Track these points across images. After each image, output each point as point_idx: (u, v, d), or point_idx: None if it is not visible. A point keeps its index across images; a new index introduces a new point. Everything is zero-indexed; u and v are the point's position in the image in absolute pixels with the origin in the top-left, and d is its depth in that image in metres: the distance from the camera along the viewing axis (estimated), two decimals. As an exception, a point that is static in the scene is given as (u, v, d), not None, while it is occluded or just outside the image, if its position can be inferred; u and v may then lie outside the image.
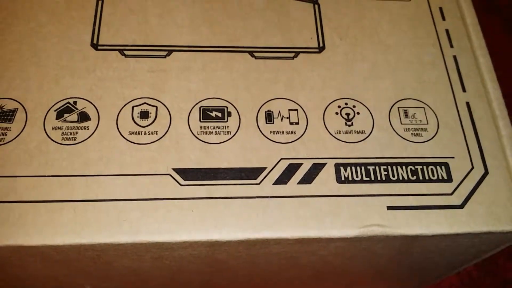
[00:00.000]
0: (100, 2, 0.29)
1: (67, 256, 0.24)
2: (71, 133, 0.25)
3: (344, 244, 0.25)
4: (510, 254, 0.43)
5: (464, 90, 0.28)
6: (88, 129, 0.25)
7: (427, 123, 0.27)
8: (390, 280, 0.35)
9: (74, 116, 0.25)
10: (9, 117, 0.25)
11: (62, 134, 0.25)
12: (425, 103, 0.27)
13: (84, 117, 0.25)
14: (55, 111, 0.25)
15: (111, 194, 0.24)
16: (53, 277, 0.28)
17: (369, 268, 0.30)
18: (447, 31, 0.30)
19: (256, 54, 0.28)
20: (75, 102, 0.26)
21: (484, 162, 0.26)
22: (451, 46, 0.29)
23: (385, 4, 0.30)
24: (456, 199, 0.25)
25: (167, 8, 0.29)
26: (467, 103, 0.28)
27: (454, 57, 0.29)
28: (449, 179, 0.25)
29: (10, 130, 0.25)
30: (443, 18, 0.30)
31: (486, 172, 0.26)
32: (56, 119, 0.25)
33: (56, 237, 0.23)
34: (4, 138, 0.25)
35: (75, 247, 0.23)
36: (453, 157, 0.26)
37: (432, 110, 0.27)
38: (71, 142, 0.25)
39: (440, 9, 0.31)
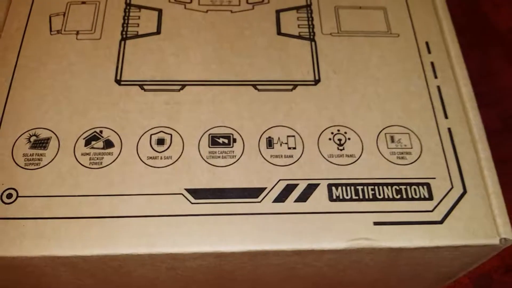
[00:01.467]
0: (123, 43, 0.33)
1: (94, 266, 0.28)
2: (97, 158, 0.29)
3: (336, 256, 0.28)
4: (506, 269, 0.45)
5: (446, 117, 0.31)
6: (112, 154, 0.29)
7: (411, 147, 0.30)
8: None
9: (100, 144, 0.29)
10: (44, 145, 0.29)
11: (90, 159, 0.29)
12: (410, 129, 0.31)
13: (109, 144, 0.29)
14: (83, 139, 0.29)
15: (131, 211, 0.27)
16: (81, 286, 0.32)
17: (362, 280, 0.33)
18: (432, 63, 0.33)
19: (259, 87, 0.32)
20: (101, 131, 0.30)
21: (463, 182, 0.29)
22: (435, 77, 0.33)
23: (376, 40, 0.34)
24: (436, 216, 0.28)
25: (182, 48, 0.33)
26: (449, 129, 0.31)
27: (438, 87, 0.32)
28: (430, 198, 0.28)
29: (45, 156, 0.29)
30: (429, 52, 0.34)
31: (465, 191, 0.29)
32: (85, 146, 0.29)
33: (85, 249, 0.26)
34: (39, 162, 0.29)
35: (101, 257, 0.27)
36: (434, 178, 0.29)
37: (416, 135, 0.30)
38: (97, 166, 0.29)
39: (427, 43, 0.34)
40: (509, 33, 0.60)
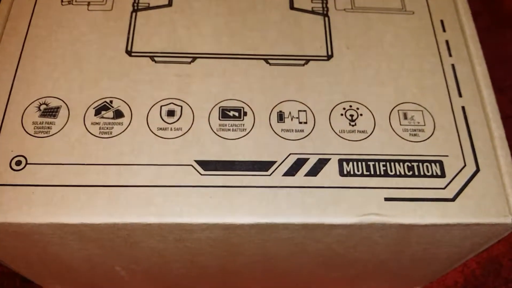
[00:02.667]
0: (134, 14, 0.32)
1: (102, 235, 0.28)
2: (107, 128, 0.29)
3: (346, 232, 0.28)
4: (515, 255, 0.45)
5: (460, 96, 0.31)
6: (122, 124, 0.29)
7: (424, 125, 0.30)
8: (394, 273, 0.37)
9: (110, 113, 0.29)
10: (53, 113, 0.29)
11: (100, 128, 0.29)
12: (423, 107, 0.30)
13: (119, 114, 0.29)
14: (93, 108, 0.29)
15: (140, 181, 0.27)
16: (88, 257, 0.32)
17: (372, 258, 0.33)
18: (447, 41, 0.33)
19: (270, 61, 0.31)
20: (111, 101, 0.29)
21: (476, 160, 0.29)
22: (450, 55, 0.32)
23: (390, 17, 0.33)
24: (448, 193, 0.28)
25: (193, 21, 0.32)
26: (463, 107, 0.30)
27: (452, 65, 0.32)
28: (443, 175, 0.28)
29: (54, 124, 0.29)
30: (444, 30, 0.33)
31: (478, 170, 0.28)
32: (95, 115, 0.29)
33: (93, 217, 0.26)
34: (49, 131, 0.29)
35: (109, 226, 0.27)
36: (447, 156, 0.29)
37: (430, 113, 0.30)
38: (107, 136, 0.28)
39: (441, 21, 0.34)
40: (524, 19, 0.59)
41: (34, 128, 0.29)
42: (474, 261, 0.44)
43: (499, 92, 0.55)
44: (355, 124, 0.29)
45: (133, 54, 0.31)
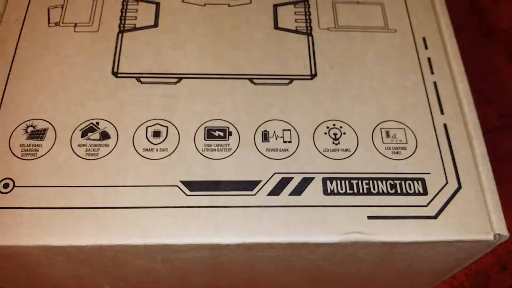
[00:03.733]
0: (120, 35, 0.33)
1: (89, 256, 0.28)
2: (93, 150, 0.29)
3: (331, 250, 0.28)
4: (502, 266, 0.45)
5: (442, 113, 0.31)
6: (108, 146, 0.29)
7: (407, 143, 0.30)
8: None
9: (96, 135, 0.29)
10: (40, 135, 0.30)
11: (86, 150, 0.29)
12: (405, 125, 0.31)
13: (105, 135, 0.29)
14: (80, 130, 0.30)
15: (127, 202, 0.27)
16: (77, 276, 0.32)
17: (358, 274, 0.33)
18: (429, 59, 0.33)
19: (255, 81, 0.32)
20: (97, 123, 0.30)
21: (458, 177, 0.29)
22: (432, 72, 0.33)
23: (373, 35, 0.34)
24: (431, 211, 0.28)
25: (178, 41, 0.33)
26: (444, 125, 0.31)
27: (434, 83, 0.32)
28: (425, 193, 0.29)
29: (41, 146, 0.29)
30: (426, 47, 0.34)
31: (460, 187, 0.29)
32: (81, 137, 0.29)
33: (80, 239, 0.27)
34: (36, 153, 0.29)
35: (96, 248, 0.27)
36: (429, 173, 0.29)
37: (412, 130, 0.30)
38: (93, 158, 0.29)
39: (424, 39, 0.34)
40: (509, 30, 0.60)
41: (22, 151, 0.29)
42: (463, 273, 0.44)
43: (487, 103, 0.55)
44: (339, 143, 0.30)
45: (119, 75, 0.31)
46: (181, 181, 0.28)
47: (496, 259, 0.46)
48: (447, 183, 0.29)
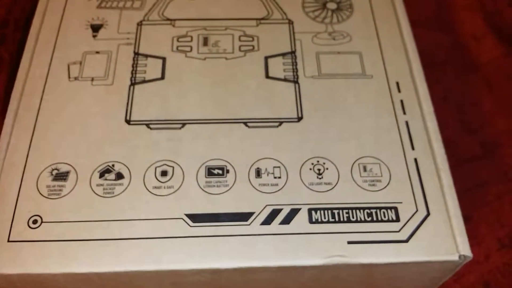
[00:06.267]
0: (132, 87, 0.38)
1: (108, 282, 0.32)
2: (110, 189, 0.33)
3: (317, 272, 0.32)
4: (485, 285, 0.48)
5: (413, 149, 0.36)
6: (122, 185, 0.34)
7: (381, 176, 0.34)
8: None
9: (112, 176, 0.34)
10: (64, 177, 0.34)
11: (104, 189, 0.33)
12: (380, 160, 0.35)
13: (119, 176, 0.34)
14: (98, 172, 0.34)
15: (140, 234, 0.32)
16: (95, 300, 0.36)
17: (345, 293, 0.37)
18: (401, 101, 0.38)
19: (249, 124, 0.36)
20: (113, 165, 0.34)
21: (427, 205, 0.33)
22: (404, 113, 0.37)
23: (352, 82, 0.39)
24: (402, 235, 0.32)
25: (182, 91, 0.38)
26: (415, 159, 0.35)
27: (406, 122, 0.37)
28: (397, 220, 0.33)
29: (65, 187, 0.33)
30: (399, 91, 0.38)
31: (428, 214, 0.33)
32: (99, 178, 0.34)
33: (100, 266, 0.31)
34: (60, 193, 0.33)
35: (114, 274, 0.31)
36: (401, 202, 0.33)
37: (386, 165, 0.35)
38: (110, 195, 0.33)
39: (397, 83, 0.39)
40: (489, 63, 0.64)
41: (48, 191, 0.33)
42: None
43: (469, 133, 0.59)
44: (322, 177, 0.34)
45: (131, 122, 0.36)
46: (185, 214, 0.33)
47: (479, 278, 0.49)
48: (417, 210, 0.33)
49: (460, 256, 0.32)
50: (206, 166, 0.35)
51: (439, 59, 0.61)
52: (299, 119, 0.37)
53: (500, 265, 0.47)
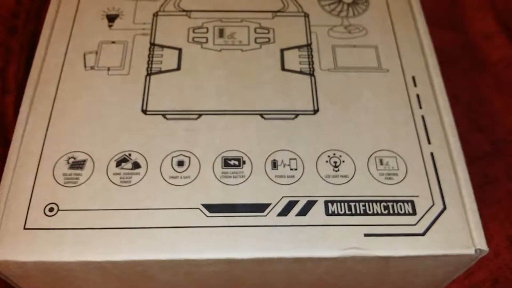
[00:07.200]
0: (148, 78, 0.38)
1: (121, 270, 0.32)
2: (127, 178, 0.33)
3: (332, 264, 0.32)
4: (494, 281, 0.48)
5: (429, 143, 0.36)
6: (139, 174, 0.34)
7: (398, 169, 0.34)
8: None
9: (129, 165, 0.34)
10: (80, 166, 0.34)
11: (120, 178, 0.33)
12: (396, 153, 0.35)
13: (136, 165, 0.34)
14: (115, 161, 0.34)
15: (156, 223, 0.32)
16: (107, 289, 0.36)
17: (359, 286, 0.37)
18: (417, 95, 0.38)
19: (265, 116, 0.36)
20: (130, 154, 0.34)
21: (443, 199, 0.33)
22: (420, 107, 0.37)
23: (368, 75, 0.39)
24: (419, 229, 0.32)
25: (198, 82, 0.38)
26: (431, 153, 0.35)
27: (422, 116, 0.37)
28: (414, 213, 0.33)
29: (81, 175, 0.34)
30: (415, 85, 0.38)
31: (445, 208, 0.33)
32: (116, 167, 0.34)
33: (115, 255, 0.31)
34: (77, 181, 0.33)
35: (129, 263, 0.31)
36: (418, 196, 0.33)
37: (402, 158, 0.35)
38: (127, 185, 0.33)
39: (413, 77, 0.39)
40: (499, 62, 0.64)
41: (64, 179, 0.33)
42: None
43: (478, 130, 0.59)
44: (338, 170, 0.34)
45: (148, 112, 0.36)
46: (202, 204, 0.33)
47: (489, 275, 0.50)
48: (433, 204, 0.33)
49: (476, 250, 0.32)
50: (222, 157, 0.35)
51: (450, 57, 0.61)
52: (315, 111, 0.37)
53: (509, 262, 0.47)
